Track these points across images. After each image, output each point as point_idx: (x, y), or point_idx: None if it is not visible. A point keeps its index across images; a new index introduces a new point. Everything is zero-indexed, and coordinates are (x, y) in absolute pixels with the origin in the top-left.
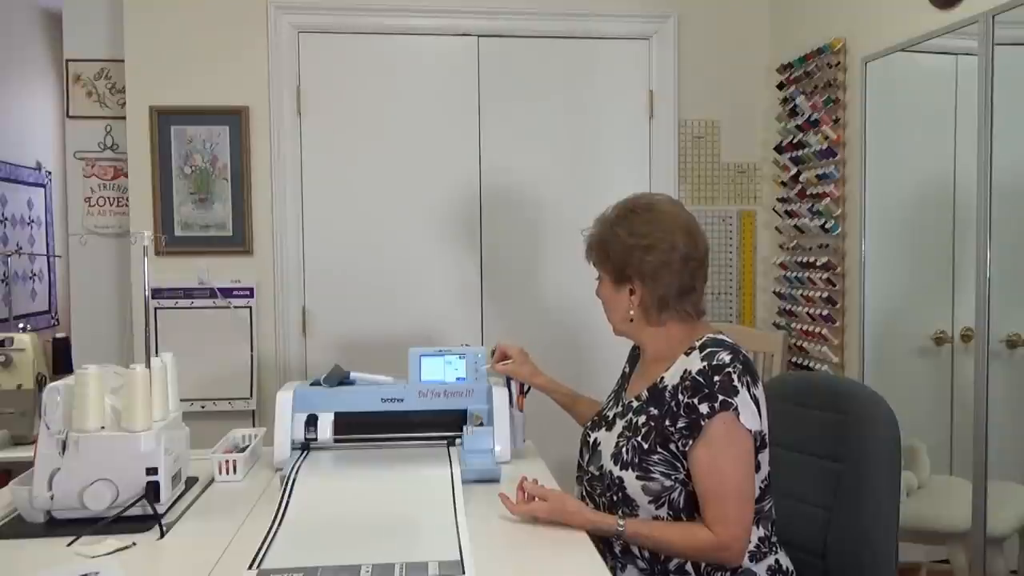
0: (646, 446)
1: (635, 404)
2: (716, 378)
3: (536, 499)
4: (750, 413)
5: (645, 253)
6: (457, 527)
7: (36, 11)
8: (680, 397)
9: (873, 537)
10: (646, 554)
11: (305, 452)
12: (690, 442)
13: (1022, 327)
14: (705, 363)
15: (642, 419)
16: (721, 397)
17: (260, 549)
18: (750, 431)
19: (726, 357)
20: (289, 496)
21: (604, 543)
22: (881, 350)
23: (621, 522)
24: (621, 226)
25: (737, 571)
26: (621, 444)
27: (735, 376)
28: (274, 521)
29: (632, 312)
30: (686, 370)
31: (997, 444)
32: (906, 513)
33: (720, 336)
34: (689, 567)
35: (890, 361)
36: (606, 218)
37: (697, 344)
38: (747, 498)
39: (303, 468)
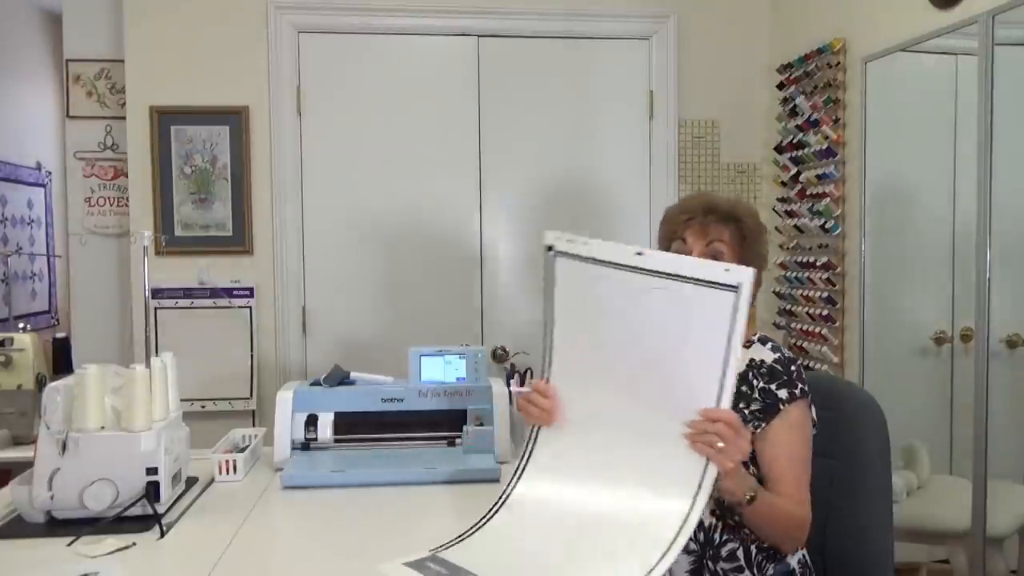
0: None
1: None
2: (792, 368)
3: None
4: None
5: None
6: None
7: (36, 11)
8: (755, 383)
9: (869, 535)
10: (700, 536)
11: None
12: (763, 424)
13: (1022, 327)
14: (778, 354)
15: None
16: (800, 386)
17: (455, 540)
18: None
19: (788, 353)
20: (513, 487)
21: None
22: (881, 350)
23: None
24: (749, 214)
25: (776, 559)
26: None
27: (801, 371)
28: (488, 512)
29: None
30: (752, 359)
31: (997, 444)
32: (906, 513)
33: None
34: (740, 552)
35: (890, 361)
36: (736, 210)
37: (755, 338)
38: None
39: (534, 459)
